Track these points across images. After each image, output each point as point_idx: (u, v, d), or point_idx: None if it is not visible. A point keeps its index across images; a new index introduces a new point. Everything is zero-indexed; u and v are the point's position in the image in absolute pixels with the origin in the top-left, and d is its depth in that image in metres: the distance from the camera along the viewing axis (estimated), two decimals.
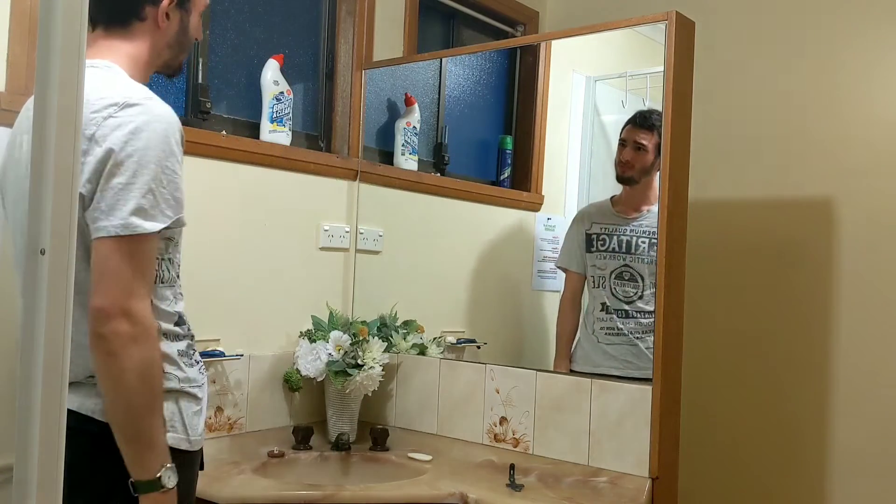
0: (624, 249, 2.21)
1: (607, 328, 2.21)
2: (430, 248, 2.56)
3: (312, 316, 2.24)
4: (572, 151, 2.46)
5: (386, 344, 2.24)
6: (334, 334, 2.15)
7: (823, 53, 2.47)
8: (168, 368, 1.28)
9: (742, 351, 2.57)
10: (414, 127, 2.52)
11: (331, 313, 2.27)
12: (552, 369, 2.26)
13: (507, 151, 2.64)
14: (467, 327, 2.50)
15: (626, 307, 2.19)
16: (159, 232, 1.22)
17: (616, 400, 1.94)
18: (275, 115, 2.18)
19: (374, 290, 2.42)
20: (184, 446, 1.30)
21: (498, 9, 2.86)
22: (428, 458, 2.04)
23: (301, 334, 2.21)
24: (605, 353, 2.19)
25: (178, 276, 1.35)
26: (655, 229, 1.94)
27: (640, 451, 1.89)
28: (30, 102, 1.25)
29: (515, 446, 2.10)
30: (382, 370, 2.18)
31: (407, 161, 2.50)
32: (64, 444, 0.75)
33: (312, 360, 2.13)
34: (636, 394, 1.91)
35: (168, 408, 1.27)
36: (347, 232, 2.40)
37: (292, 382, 2.18)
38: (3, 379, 1.57)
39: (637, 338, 2.14)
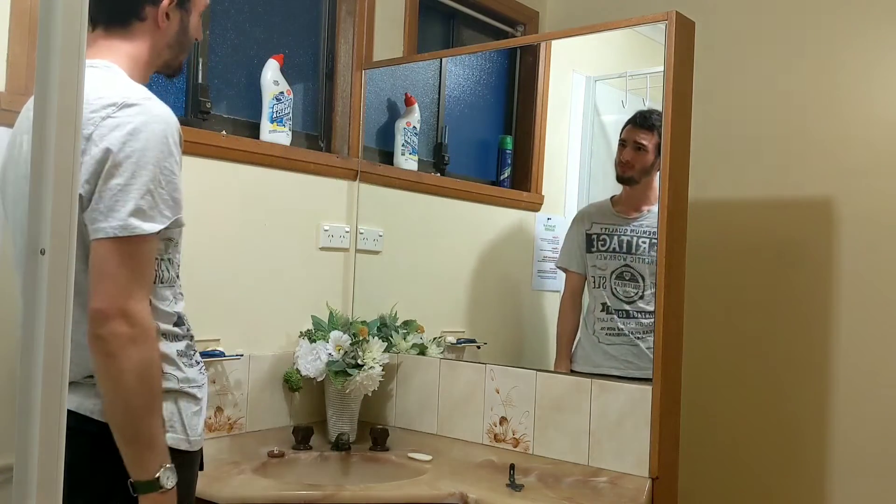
0: (624, 249, 2.21)
1: (608, 328, 2.21)
2: (430, 248, 2.56)
3: (312, 316, 2.24)
4: (572, 151, 2.46)
5: (386, 344, 2.23)
6: (334, 334, 2.15)
7: (823, 53, 2.47)
8: (167, 369, 1.28)
9: (742, 351, 2.57)
10: (414, 127, 2.51)
11: (331, 313, 2.27)
12: (552, 369, 2.25)
13: (507, 151, 2.64)
14: (467, 327, 2.50)
15: (627, 307, 2.19)
16: (158, 233, 1.22)
17: (616, 400, 1.94)
18: (275, 115, 2.18)
19: (374, 290, 2.42)
20: (183, 446, 1.30)
21: (498, 9, 2.86)
22: (428, 458, 2.04)
23: (301, 334, 2.21)
24: (606, 353, 2.19)
25: (177, 277, 1.35)
26: (656, 229, 1.94)
27: (640, 451, 1.89)
28: (30, 102, 1.25)
29: (515, 446, 2.10)
30: (382, 370, 2.18)
31: (407, 161, 2.50)
32: (64, 444, 0.75)
33: (312, 360, 2.13)
34: (636, 394, 1.91)
35: (167, 408, 1.27)
36: (347, 232, 2.40)
37: (292, 382, 2.18)
38: (3, 379, 1.57)
39: (638, 338, 2.14)
